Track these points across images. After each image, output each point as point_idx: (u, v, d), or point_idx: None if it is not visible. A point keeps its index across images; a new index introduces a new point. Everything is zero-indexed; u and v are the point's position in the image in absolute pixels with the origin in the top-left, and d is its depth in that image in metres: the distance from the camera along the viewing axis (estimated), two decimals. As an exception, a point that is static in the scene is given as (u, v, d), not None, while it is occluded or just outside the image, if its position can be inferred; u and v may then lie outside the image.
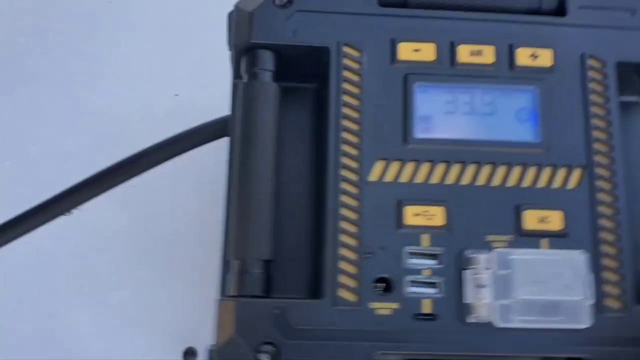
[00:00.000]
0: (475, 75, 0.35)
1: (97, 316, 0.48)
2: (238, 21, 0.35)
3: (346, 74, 0.34)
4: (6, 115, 0.54)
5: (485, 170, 0.33)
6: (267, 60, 0.34)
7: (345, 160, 0.33)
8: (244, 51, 0.35)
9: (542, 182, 0.34)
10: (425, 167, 0.33)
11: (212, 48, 0.48)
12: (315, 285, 0.33)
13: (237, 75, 0.36)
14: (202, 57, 0.54)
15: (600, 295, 0.32)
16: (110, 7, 0.56)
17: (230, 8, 0.35)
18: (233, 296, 0.32)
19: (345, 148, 0.33)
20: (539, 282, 0.31)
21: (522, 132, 0.34)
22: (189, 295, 0.47)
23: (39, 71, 0.55)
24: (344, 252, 0.32)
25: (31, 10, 0.56)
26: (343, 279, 0.32)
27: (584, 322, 0.30)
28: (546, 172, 0.34)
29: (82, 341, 0.49)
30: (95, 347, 0.48)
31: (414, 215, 0.33)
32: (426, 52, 0.35)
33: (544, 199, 0.33)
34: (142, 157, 0.40)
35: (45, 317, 0.49)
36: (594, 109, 0.35)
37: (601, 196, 0.33)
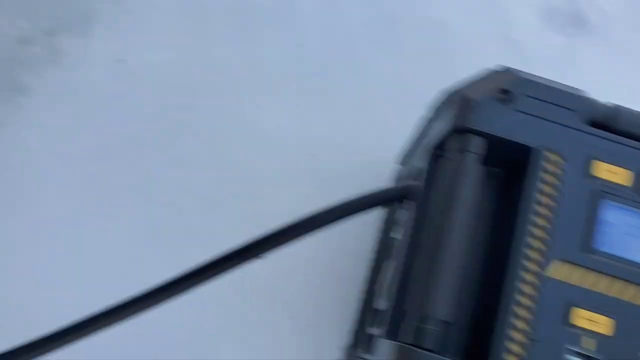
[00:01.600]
0: (665, 210, 0.37)
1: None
2: (461, 105, 0.39)
3: (544, 175, 0.37)
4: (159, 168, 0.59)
5: (656, 297, 0.36)
6: (479, 145, 0.38)
7: (528, 251, 0.36)
8: (457, 132, 0.39)
9: None
10: (601, 278, 0.36)
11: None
12: (477, 355, 0.35)
13: (438, 147, 0.40)
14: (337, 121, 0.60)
15: None
16: (248, 67, 0.61)
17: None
18: (409, 344, 0.34)
19: (530, 241, 0.36)
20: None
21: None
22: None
23: (197, 128, 0.60)
24: (514, 334, 0.35)
25: (180, 85, 0.61)
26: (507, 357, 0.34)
27: None
28: None
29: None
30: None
31: (580, 317, 0.35)
32: (621, 176, 0.38)
33: None
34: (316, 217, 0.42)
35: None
36: None
37: None
